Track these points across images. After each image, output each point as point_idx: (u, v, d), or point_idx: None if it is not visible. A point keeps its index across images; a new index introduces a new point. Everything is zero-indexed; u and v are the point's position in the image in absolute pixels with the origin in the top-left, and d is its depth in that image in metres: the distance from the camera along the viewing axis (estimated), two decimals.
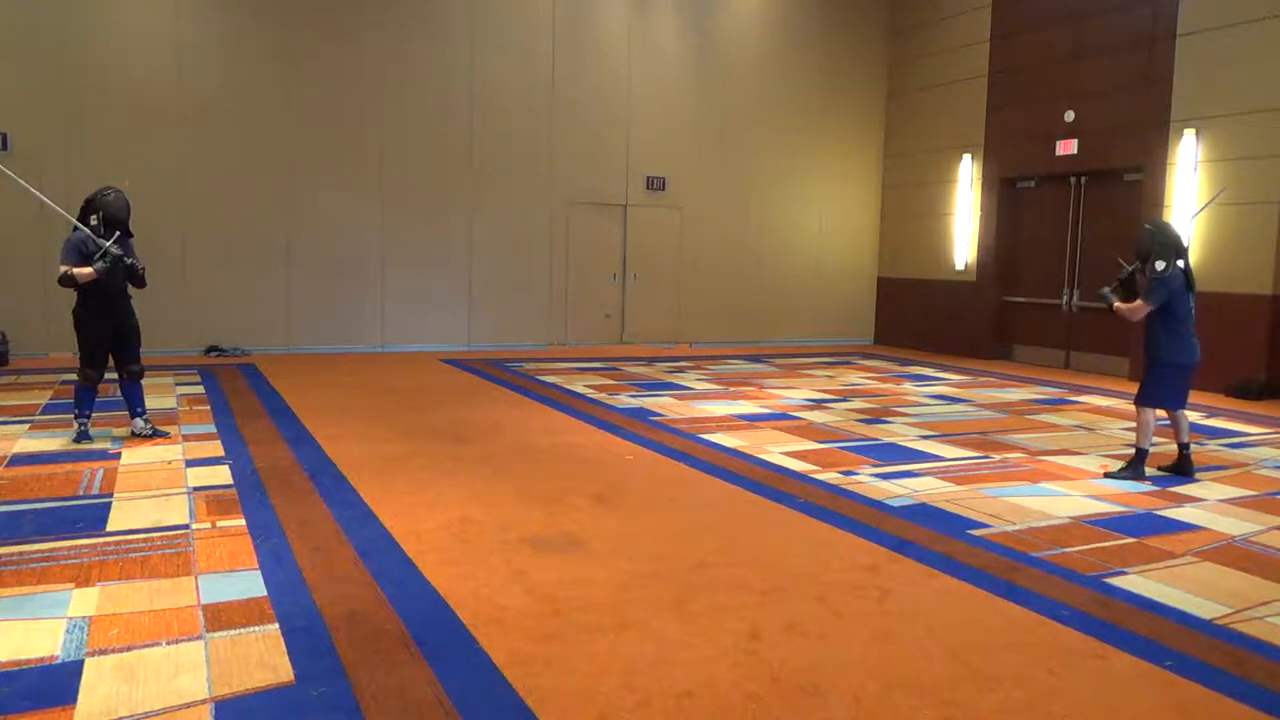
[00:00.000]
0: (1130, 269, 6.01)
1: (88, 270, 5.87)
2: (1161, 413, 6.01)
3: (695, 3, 13.69)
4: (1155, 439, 6.09)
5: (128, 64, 10.78)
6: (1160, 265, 5.76)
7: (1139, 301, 5.88)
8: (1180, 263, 5.83)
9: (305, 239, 11.73)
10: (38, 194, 6.72)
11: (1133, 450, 6.07)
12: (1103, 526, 4.85)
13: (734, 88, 14.01)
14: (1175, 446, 6.11)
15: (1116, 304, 6.03)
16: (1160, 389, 5.92)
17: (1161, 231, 5.90)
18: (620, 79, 13.30)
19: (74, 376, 6.34)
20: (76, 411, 6.26)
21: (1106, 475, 6.01)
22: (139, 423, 6.36)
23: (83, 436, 6.19)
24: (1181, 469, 6.02)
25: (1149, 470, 6.02)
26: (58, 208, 6.43)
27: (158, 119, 10.93)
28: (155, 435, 6.37)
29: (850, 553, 4.34)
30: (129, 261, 6.01)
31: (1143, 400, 5.96)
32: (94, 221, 5.97)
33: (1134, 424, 6.09)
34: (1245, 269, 10.03)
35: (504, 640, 3.23)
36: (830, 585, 3.88)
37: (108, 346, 6.19)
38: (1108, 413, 8.67)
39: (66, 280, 5.88)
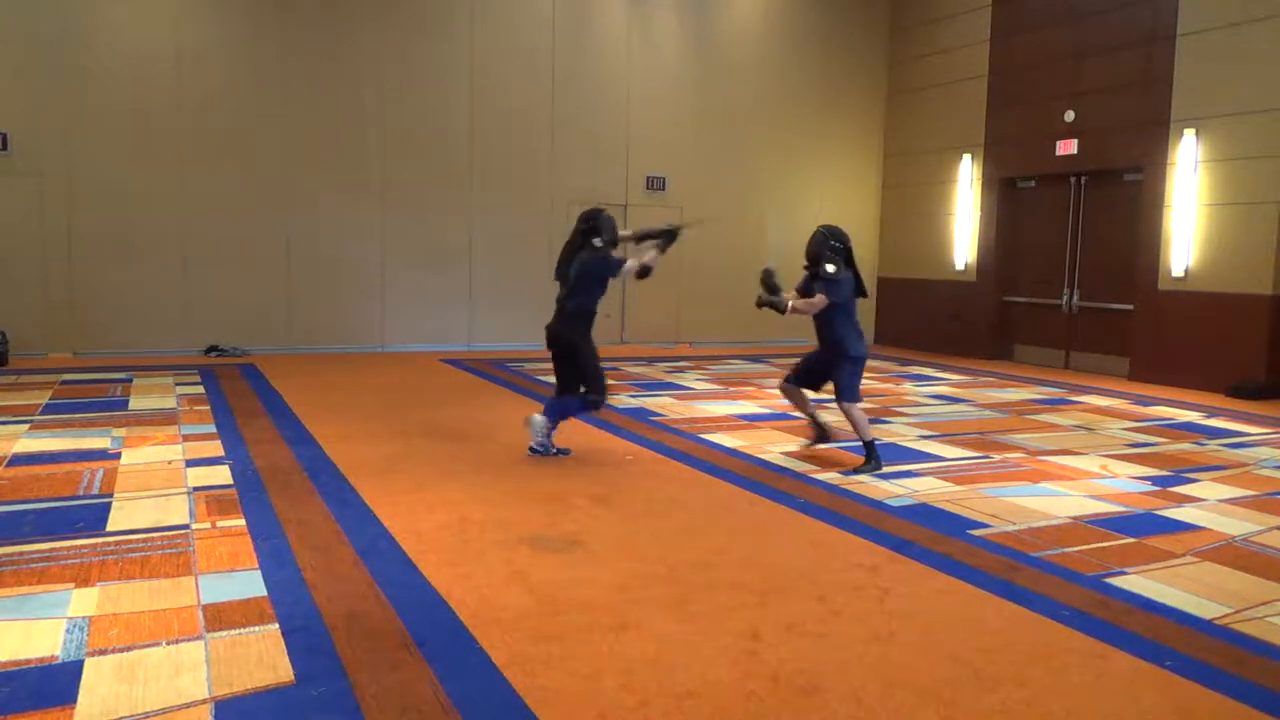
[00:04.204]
0: (766, 269, 6.18)
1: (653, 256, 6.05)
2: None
3: (695, 3, 13.68)
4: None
5: (128, 64, 10.78)
6: (831, 268, 6.01)
7: (819, 296, 6.02)
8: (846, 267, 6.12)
9: (305, 239, 11.73)
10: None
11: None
12: (1103, 526, 4.85)
13: (734, 88, 14.00)
14: (807, 419, 6.48)
15: (793, 302, 6.09)
16: (856, 381, 6.15)
17: (834, 235, 6.12)
18: (620, 79, 13.30)
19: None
20: (552, 421, 6.05)
21: (843, 474, 5.99)
22: (540, 422, 6.12)
23: (549, 449, 6.07)
24: (824, 435, 6.42)
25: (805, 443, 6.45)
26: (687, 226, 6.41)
27: (158, 119, 10.92)
28: (557, 453, 6.14)
29: (850, 553, 4.34)
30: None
31: (848, 397, 6.10)
32: (598, 242, 6.06)
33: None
34: (1245, 269, 10.03)
35: (504, 640, 3.23)
36: (830, 585, 3.88)
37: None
38: (1108, 413, 8.67)
39: (645, 270, 6.07)
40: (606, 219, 6.10)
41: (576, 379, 6.12)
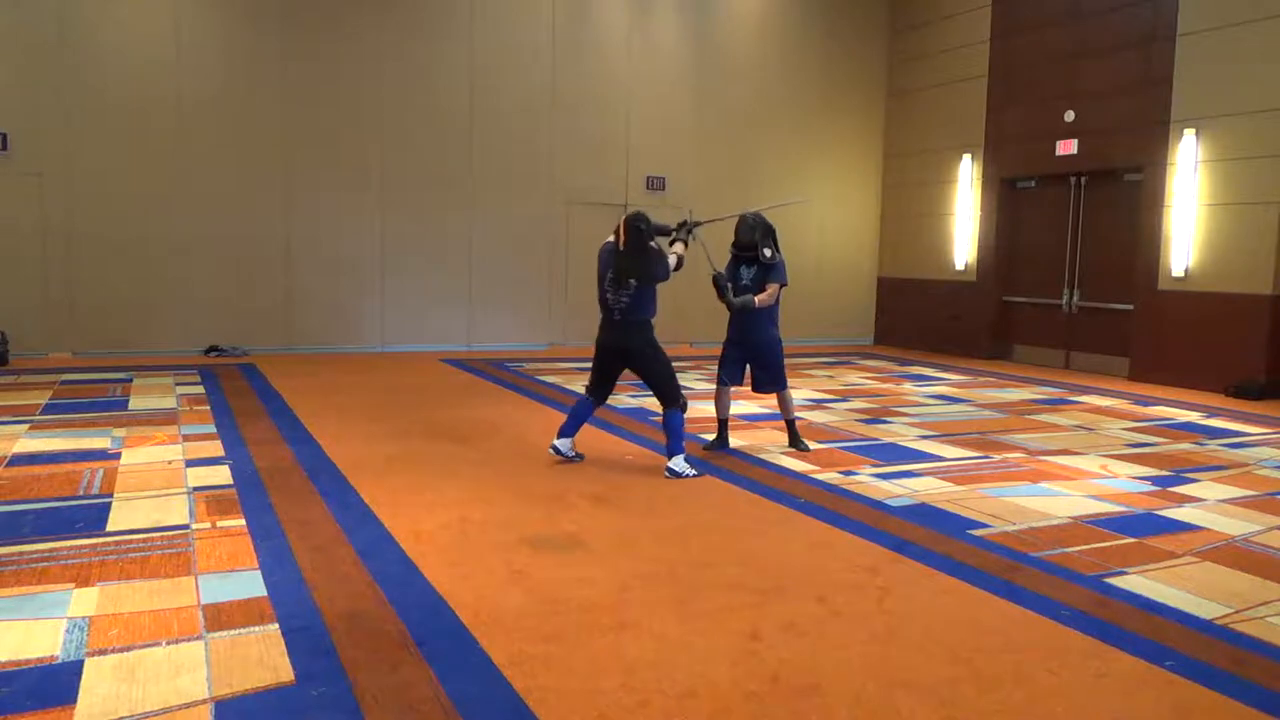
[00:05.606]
0: (717, 272, 6.16)
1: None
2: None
3: (695, 3, 13.69)
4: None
5: (128, 64, 10.78)
6: (768, 252, 6.16)
7: (772, 286, 6.17)
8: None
9: (305, 239, 11.73)
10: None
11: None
12: (1103, 526, 4.85)
13: (734, 87, 14.01)
14: (718, 422, 6.58)
15: (758, 298, 6.18)
16: (784, 364, 6.42)
17: (762, 221, 6.28)
18: (620, 79, 13.30)
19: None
20: (681, 447, 5.72)
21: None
22: (568, 443, 5.99)
23: (700, 465, 5.83)
24: (724, 442, 6.54)
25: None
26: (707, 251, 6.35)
27: (157, 118, 10.92)
28: (575, 458, 6.00)
29: (850, 553, 4.34)
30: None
31: (786, 383, 6.43)
32: (655, 246, 5.80)
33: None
34: (1245, 269, 10.03)
35: (504, 640, 3.23)
36: (830, 585, 3.88)
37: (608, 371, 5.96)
38: (1108, 413, 8.67)
39: (680, 263, 5.91)
40: (654, 222, 5.88)
41: (610, 386, 5.96)
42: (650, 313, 5.80)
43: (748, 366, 6.49)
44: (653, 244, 5.73)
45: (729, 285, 6.21)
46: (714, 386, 6.70)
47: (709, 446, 6.52)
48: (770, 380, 6.44)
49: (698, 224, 6.09)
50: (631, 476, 5.71)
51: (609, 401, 8.44)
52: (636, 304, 5.72)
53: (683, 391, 5.79)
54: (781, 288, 6.30)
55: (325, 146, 11.73)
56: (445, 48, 12.27)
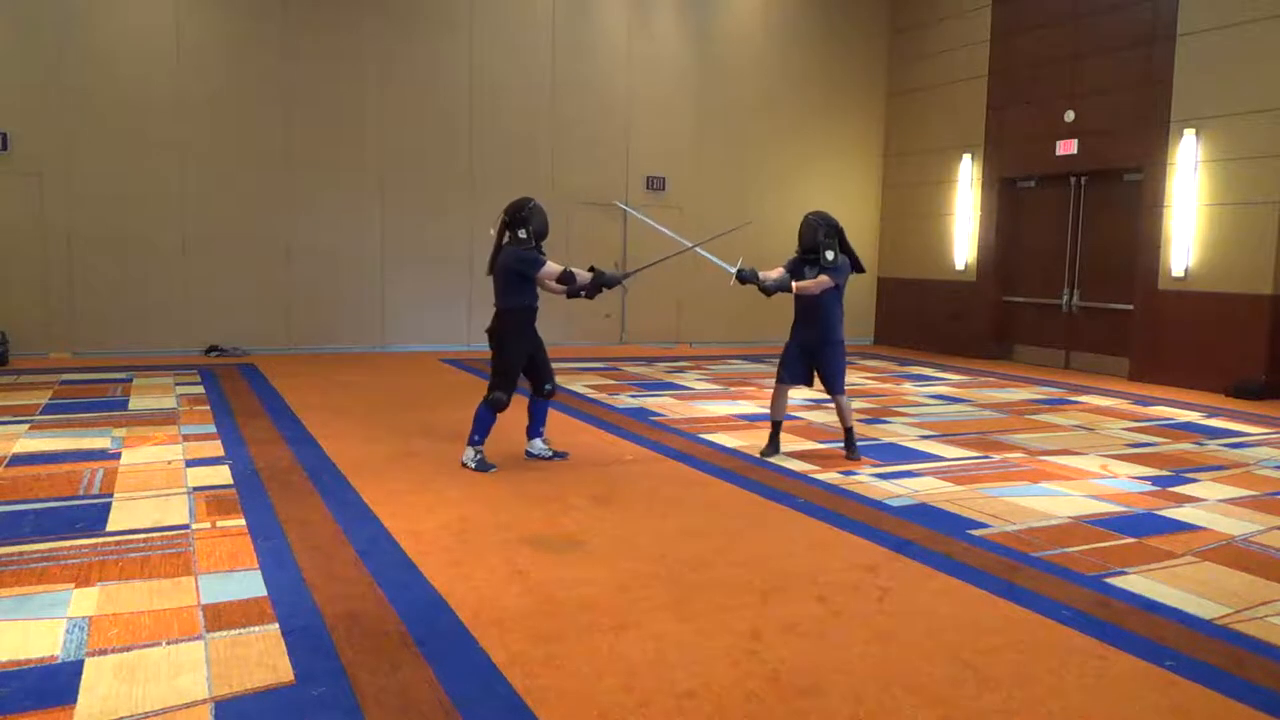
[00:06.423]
0: (739, 271, 6.01)
1: (587, 275, 5.80)
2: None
3: (695, 2, 13.69)
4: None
5: (128, 63, 10.78)
6: (830, 255, 6.07)
7: (823, 277, 6.05)
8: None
9: (305, 239, 11.73)
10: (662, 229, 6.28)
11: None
12: (1103, 526, 4.85)
13: (734, 87, 14.01)
14: (772, 425, 6.41)
15: (796, 282, 6.05)
16: (844, 367, 6.27)
17: (826, 221, 6.14)
18: (620, 78, 13.30)
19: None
20: (478, 439, 5.72)
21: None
22: (538, 443, 6.03)
23: (485, 466, 5.68)
24: (776, 448, 6.38)
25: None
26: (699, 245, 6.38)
27: (157, 118, 10.92)
28: (555, 457, 6.03)
29: (850, 553, 4.33)
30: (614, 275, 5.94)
31: (843, 388, 6.26)
32: (523, 235, 5.66)
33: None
34: (1245, 269, 10.03)
35: (504, 640, 3.23)
36: (830, 585, 3.88)
37: (523, 367, 5.85)
38: (1108, 413, 8.67)
39: (568, 277, 5.75)
40: (537, 211, 5.73)
41: (539, 377, 5.94)
42: (506, 303, 5.77)
43: (811, 367, 6.30)
44: (522, 233, 5.69)
45: (754, 271, 6.06)
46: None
47: (764, 453, 6.33)
48: (828, 383, 6.24)
49: (628, 275, 6.14)
50: (631, 476, 5.71)
51: (610, 402, 8.45)
52: (497, 289, 5.80)
53: (501, 393, 5.68)
54: (838, 287, 6.09)
55: (325, 146, 11.73)
56: (445, 48, 12.27)
